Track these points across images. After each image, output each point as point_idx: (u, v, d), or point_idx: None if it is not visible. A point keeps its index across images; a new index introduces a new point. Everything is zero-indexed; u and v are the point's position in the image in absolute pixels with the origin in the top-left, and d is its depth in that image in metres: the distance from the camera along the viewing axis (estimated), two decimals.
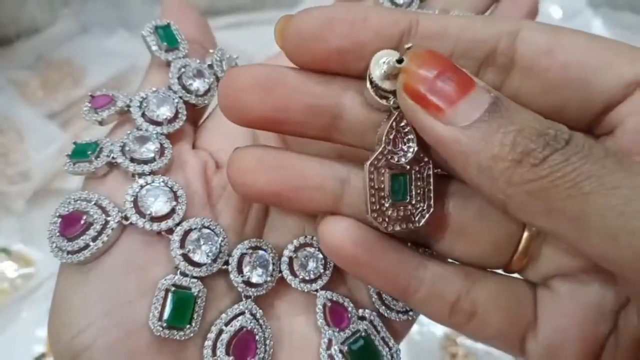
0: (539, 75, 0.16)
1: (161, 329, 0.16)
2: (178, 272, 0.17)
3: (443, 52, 0.16)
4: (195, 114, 0.21)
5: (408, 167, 0.16)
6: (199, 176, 0.19)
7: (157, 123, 0.19)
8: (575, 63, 0.16)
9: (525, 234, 0.18)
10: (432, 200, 0.17)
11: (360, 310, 0.19)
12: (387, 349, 0.18)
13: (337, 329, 0.18)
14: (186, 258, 0.17)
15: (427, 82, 0.15)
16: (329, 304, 0.18)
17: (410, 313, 0.19)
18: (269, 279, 0.18)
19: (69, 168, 0.18)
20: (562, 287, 0.17)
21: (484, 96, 0.15)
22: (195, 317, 0.17)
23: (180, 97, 0.19)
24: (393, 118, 0.16)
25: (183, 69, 0.20)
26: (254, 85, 0.16)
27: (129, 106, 0.19)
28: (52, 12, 0.64)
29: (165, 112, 0.19)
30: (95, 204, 0.17)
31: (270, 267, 0.18)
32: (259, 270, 0.18)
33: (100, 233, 0.17)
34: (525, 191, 0.14)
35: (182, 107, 0.19)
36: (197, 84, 0.20)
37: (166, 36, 0.20)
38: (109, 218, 0.17)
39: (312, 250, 0.19)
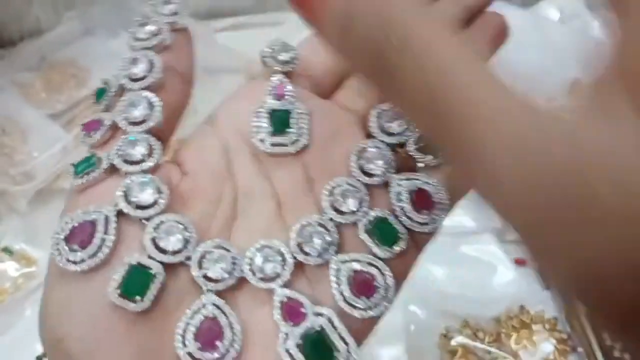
0: None
1: (116, 296, 0.18)
2: (145, 254, 0.19)
3: None
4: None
5: (288, 104, 0.21)
6: (172, 178, 0.21)
7: (137, 124, 0.21)
8: None
9: None
10: (306, 136, 0.21)
11: (318, 307, 0.19)
12: (343, 345, 0.18)
13: (293, 324, 0.19)
14: (154, 243, 0.19)
15: None
16: (285, 300, 0.19)
17: (371, 312, 0.19)
18: (226, 275, 0.19)
19: (79, 182, 0.20)
20: None
21: None
22: (147, 294, 0.18)
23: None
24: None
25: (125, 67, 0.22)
26: None
27: (114, 121, 0.21)
28: (56, 14, 0.65)
29: (137, 114, 0.21)
30: (87, 211, 0.19)
31: (231, 265, 0.19)
32: (219, 266, 0.19)
33: (107, 229, 0.19)
34: None
35: (150, 106, 0.21)
36: (134, 70, 0.21)
37: None
38: (107, 212, 0.19)
39: (272, 250, 0.20)
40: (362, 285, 0.19)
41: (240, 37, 0.66)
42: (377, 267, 0.20)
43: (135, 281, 0.18)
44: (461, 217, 0.52)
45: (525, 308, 0.47)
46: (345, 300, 0.19)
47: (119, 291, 0.18)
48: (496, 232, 0.51)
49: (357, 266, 0.19)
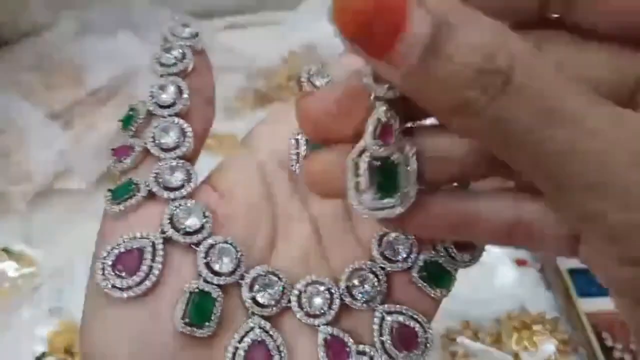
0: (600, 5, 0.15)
1: (184, 325, 0.18)
2: (201, 279, 0.19)
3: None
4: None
5: (392, 158, 0.16)
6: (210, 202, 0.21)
7: (169, 150, 0.21)
8: None
9: None
10: (414, 189, 0.16)
11: (361, 346, 0.20)
12: None
13: None
14: (208, 267, 0.19)
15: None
16: (329, 337, 0.20)
17: (414, 353, 0.20)
18: (273, 302, 0.20)
19: (117, 208, 0.20)
20: None
21: (421, 32, 0.13)
22: (213, 318, 0.19)
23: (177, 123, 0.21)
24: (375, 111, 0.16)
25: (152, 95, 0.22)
26: None
27: (146, 146, 0.21)
28: (54, 13, 0.64)
29: (170, 141, 0.21)
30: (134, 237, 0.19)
31: (280, 294, 0.20)
32: (268, 293, 0.20)
33: (154, 256, 0.19)
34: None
35: (182, 133, 0.21)
36: (163, 97, 0.21)
37: None
38: (154, 239, 0.19)
39: (321, 288, 0.20)
40: (405, 339, 0.20)
41: (240, 37, 0.66)
42: (419, 322, 0.20)
43: (200, 308, 0.18)
44: None
45: (526, 309, 0.47)
46: (385, 350, 0.20)
47: (186, 320, 0.18)
48: None
49: (401, 319, 0.20)
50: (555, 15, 0.16)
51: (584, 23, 0.16)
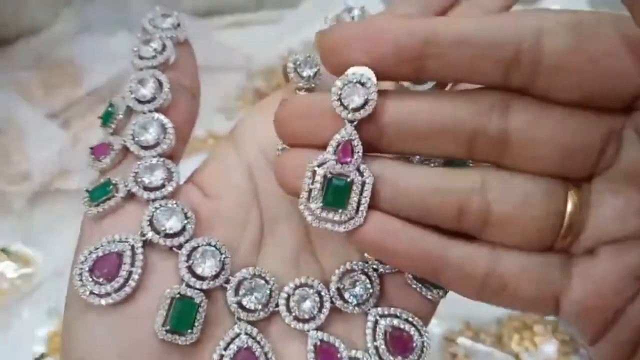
0: (569, 71, 0.16)
1: (165, 333, 0.17)
2: (183, 283, 0.18)
3: (465, 59, 0.16)
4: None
5: (349, 177, 0.17)
6: (193, 201, 0.20)
7: (149, 147, 0.20)
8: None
9: (569, 208, 0.17)
10: (362, 214, 0.17)
11: (353, 351, 0.19)
12: None
13: None
14: (190, 271, 0.18)
15: None
16: (319, 343, 0.19)
17: (410, 358, 0.19)
18: (259, 307, 0.19)
19: (98, 211, 0.19)
20: (602, 252, 0.17)
21: None
22: (196, 325, 0.18)
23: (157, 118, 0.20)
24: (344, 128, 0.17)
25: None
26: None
27: (125, 144, 0.20)
28: (53, 12, 0.64)
29: (149, 137, 0.20)
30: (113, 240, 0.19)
31: (267, 297, 0.19)
32: (254, 297, 0.19)
33: (133, 260, 0.18)
34: None
35: (162, 129, 0.20)
36: (142, 92, 0.20)
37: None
38: (133, 242, 0.18)
39: (310, 291, 0.19)
40: (399, 343, 0.19)
41: (239, 35, 0.66)
42: (414, 326, 0.19)
43: (182, 314, 0.18)
44: None
45: None
46: (379, 356, 0.19)
47: (167, 327, 0.17)
48: None
49: (395, 322, 0.19)
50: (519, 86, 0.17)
51: (548, 93, 0.17)
